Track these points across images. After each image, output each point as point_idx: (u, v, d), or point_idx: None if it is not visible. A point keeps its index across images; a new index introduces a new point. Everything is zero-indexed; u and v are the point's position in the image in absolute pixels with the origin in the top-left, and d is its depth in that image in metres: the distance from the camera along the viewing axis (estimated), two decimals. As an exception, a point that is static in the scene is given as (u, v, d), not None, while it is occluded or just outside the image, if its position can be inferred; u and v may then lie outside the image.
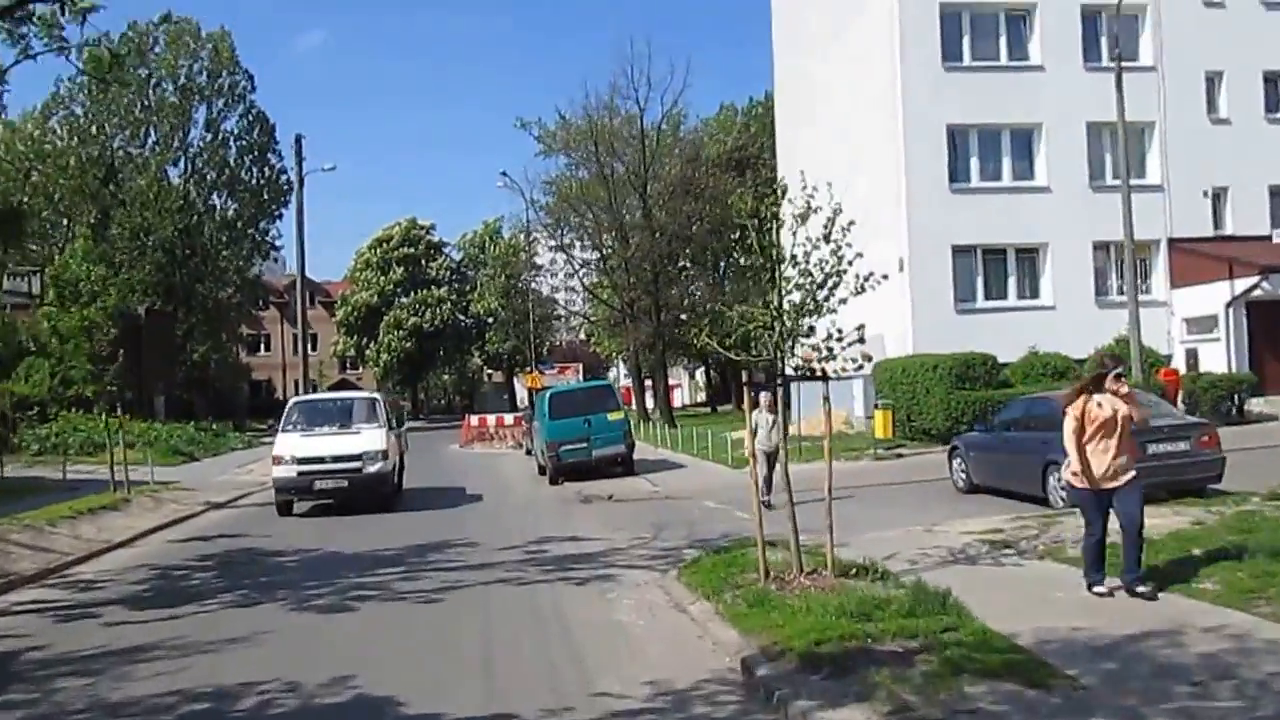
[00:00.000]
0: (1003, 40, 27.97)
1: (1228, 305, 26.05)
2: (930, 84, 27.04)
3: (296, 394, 60.47)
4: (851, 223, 8.45)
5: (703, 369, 64.86)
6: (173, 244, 51.53)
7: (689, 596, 8.92)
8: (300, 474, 17.27)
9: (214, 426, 39.08)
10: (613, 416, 22.52)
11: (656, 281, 39.71)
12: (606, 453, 22.31)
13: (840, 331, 8.27)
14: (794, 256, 8.32)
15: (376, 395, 20.68)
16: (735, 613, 7.82)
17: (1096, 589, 7.74)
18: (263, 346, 73.00)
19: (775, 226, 8.48)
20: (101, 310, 36.68)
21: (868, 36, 28.87)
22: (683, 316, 41.19)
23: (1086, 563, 7.93)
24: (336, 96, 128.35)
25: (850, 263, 8.27)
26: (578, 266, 49.27)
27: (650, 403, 46.30)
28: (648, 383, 48.31)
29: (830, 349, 8.29)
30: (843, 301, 8.32)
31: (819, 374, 8.38)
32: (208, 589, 11.07)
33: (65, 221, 49.90)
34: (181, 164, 52.74)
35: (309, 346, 38.06)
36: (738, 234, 8.62)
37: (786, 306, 8.33)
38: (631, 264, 40.50)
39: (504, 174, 46.47)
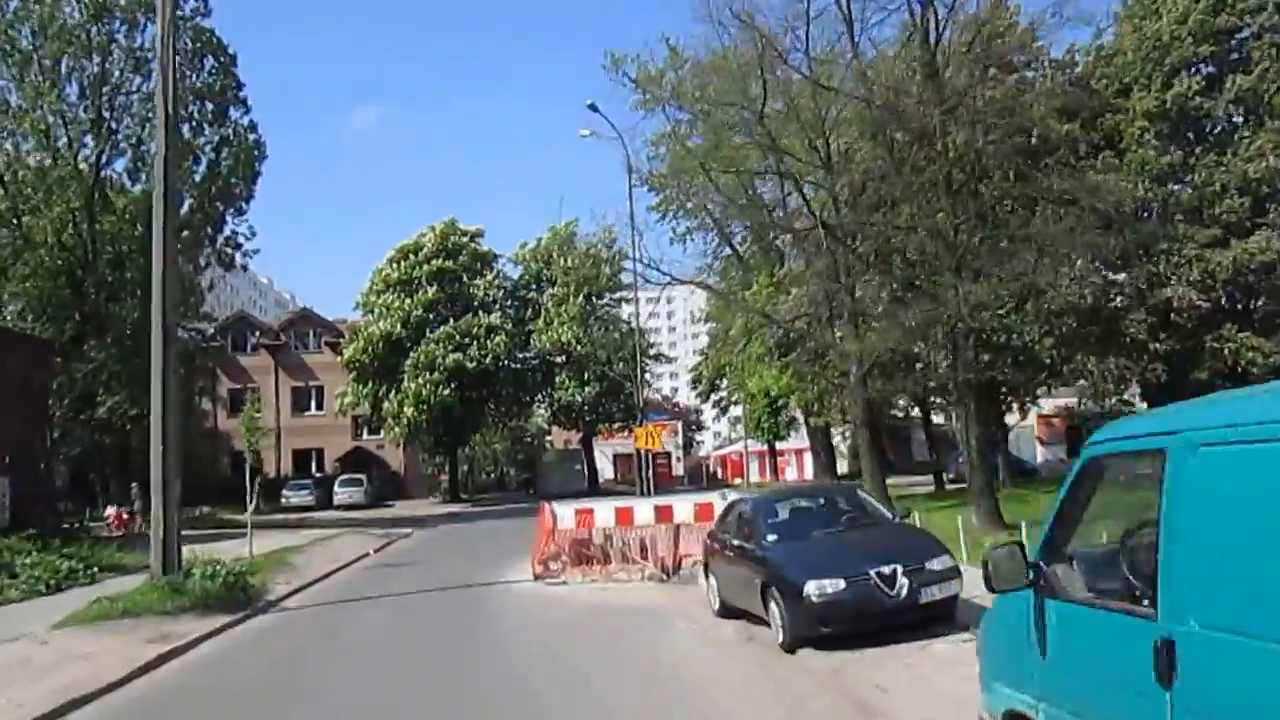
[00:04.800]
0: None
1: None
2: None
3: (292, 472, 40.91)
4: None
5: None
6: (74, 240, 32.79)
7: None
8: None
9: (42, 541, 19.27)
10: None
11: (957, 227, 18.80)
12: None
13: None
14: None
15: None
16: None
17: None
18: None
19: None
20: None
21: None
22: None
23: None
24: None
25: None
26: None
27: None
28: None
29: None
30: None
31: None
32: None
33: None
34: (84, 116, 33.78)
35: (190, 389, 18.21)
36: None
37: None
38: (916, 188, 19.60)
39: (592, 106, 25.83)
